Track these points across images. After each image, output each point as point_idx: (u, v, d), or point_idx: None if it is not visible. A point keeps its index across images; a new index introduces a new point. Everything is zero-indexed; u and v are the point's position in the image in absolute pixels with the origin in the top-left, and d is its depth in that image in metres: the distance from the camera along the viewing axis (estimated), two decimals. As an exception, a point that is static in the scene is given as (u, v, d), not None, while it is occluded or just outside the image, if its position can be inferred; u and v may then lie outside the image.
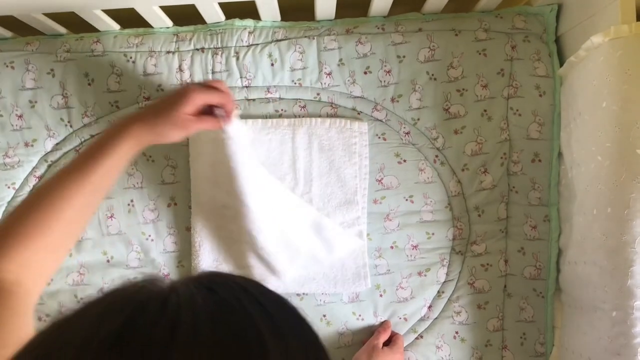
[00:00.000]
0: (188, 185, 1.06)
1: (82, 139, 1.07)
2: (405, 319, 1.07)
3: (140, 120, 0.81)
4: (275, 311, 0.41)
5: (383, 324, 1.08)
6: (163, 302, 0.38)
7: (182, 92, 0.82)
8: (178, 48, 1.06)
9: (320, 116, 1.06)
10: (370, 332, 1.08)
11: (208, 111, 0.85)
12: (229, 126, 0.87)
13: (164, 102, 0.83)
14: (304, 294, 1.08)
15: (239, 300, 0.40)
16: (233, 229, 1.03)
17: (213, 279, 0.42)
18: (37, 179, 1.07)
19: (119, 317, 0.36)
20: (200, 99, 0.82)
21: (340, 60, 1.05)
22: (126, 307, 0.37)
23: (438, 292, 1.07)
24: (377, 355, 1.00)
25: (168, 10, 1.03)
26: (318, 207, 1.05)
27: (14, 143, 1.07)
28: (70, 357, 0.34)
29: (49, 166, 1.07)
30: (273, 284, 1.06)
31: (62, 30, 1.09)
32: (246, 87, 1.06)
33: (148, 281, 0.41)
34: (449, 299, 1.07)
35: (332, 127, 1.05)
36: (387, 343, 1.06)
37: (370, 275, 1.06)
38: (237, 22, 1.06)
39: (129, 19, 1.05)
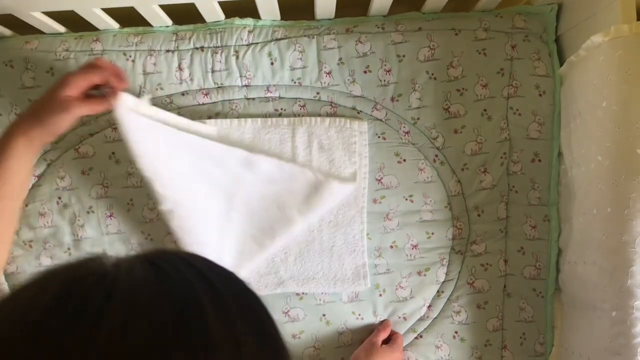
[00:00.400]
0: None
1: (81, 138, 1.07)
2: (405, 319, 1.07)
3: (26, 114, 0.82)
4: (218, 282, 0.41)
5: (383, 323, 1.08)
6: (102, 275, 0.38)
7: (61, 77, 0.82)
8: (177, 47, 1.05)
9: (320, 115, 1.06)
10: (369, 331, 1.08)
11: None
12: (119, 104, 0.85)
13: (45, 92, 0.83)
14: (303, 293, 1.08)
15: (179, 271, 0.40)
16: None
17: (157, 254, 0.43)
18: (36, 178, 1.07)
19: (56, 288, 0.36)
20: (79, 79, 0.82)
21: (340, 59, 1.05)
22: (64, 280, 0.38)
23: (438, 291, 1.07)
24: (375, 353, 1.00)
25: (167, 9, 1.03)
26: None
27: (13, 142, 1.06)
28: (6, 331, 0.34)
29: (48, 165, 1.07)
30: (271, 281, 1.06)
31: (61, 29, 1.08)
32: (246, 86, 1.06)
33: (91, 259, 0.41)
34: (448, 299, 1.07)
35: (331, 127, 1.04)
36: (386, 342, 1.05)
37: (369, 275, 1.06)
38: (237, 21, 1.06)
39: (129, 17, 1.04)
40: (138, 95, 0.96)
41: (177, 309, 0.37)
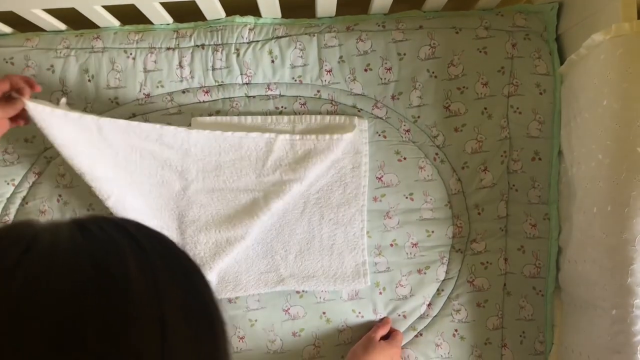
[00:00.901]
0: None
1: (82, 136, 1.07)
2: (405, 317, 1.07)
3: None
4: (145, 240, 0.42)
5: (382, 320, 1.08)
6: (25, 233, 0.39)
7: None
8: (178, 45, 1.05)
9: (320, 113, 1.06)
10: (369, 329, 1.08)
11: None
12: (31, 108, 0.90)
13: None
14: (303, 291, 1.08)
15: (104, 229, 0.41)
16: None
17: (88, 217, 0.43)
18: (36, 176, 1.07)
19: None
20: None
21: (341, 57, 1.05)
22: None
23: (438, 290, 1.07)
24: (373, 348, 1.00)
25: (168, 6, 1.03)
26: (318, 205, 1.05)
27: (14, 139, 1.06)
28: None
29: (48, 162, 1.07)
30: (271, 279, 1.06)
31: (62, 26, 1.08)
32: (246, 84, 1.06)
33: (21, 221, 0.42)
34: (448, 297, 1.07)
35: (331, 125, 1.04)
36: (385, 338, 1.05)
37: (369, 273, 1.06)
38: (238, 18, 1.06)
39: (129, 15, 1.04)
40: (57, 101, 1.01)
41: (98, 261, 0.37)
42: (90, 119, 0.96)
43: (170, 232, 1.04)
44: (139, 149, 1.01)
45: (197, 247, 1.04)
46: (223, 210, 1.04)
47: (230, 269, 1.06)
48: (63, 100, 0.97)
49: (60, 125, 0.94)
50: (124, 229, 0.42)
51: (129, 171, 1.02)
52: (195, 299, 0.42)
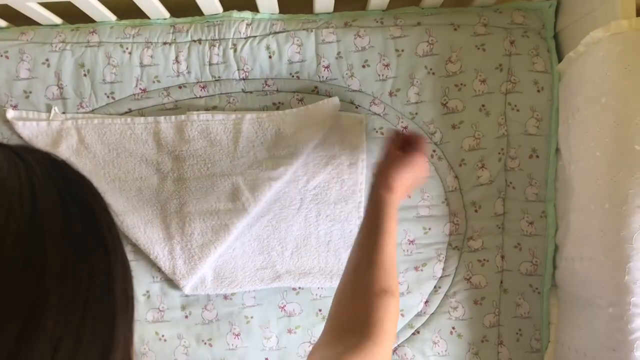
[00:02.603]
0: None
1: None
2: (402, 315, 1.07)
3: None
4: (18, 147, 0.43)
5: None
6: None
7: None
8: (175, 39, 1.05)
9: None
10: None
11: None
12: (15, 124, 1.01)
13: None
14: (299, 288, 1.07)
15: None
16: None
17: None
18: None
19: None
20: None
21: (339, 53, 1.05)
22: None
23: (435, 287, 1.07)
24: (395, 162, 0.87)
25: (165, 1, 1.02)
26: (315, 202, 1.05)
27: (8, 134, 1.06)
28: None
29: (44, 157, 1.06)
30: (267, 275, 1.06)
31: (57, 20, 1.07)
32: (243, 79, 1.05)
33: None
34: (445, 294, 1.07)
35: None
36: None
37: None
38: (235, 14, 1.05)
39: (126, 9, 1.04)
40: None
41: None
42: (70, 123, 1.00)
43: (154, 227, 1.04)
44: (115, 147, 1.03)
45: (183, 239, 1.03)
46: (203, 199, 1.03)
47: (226, 265, 1.05)
48: (55, 109, 1.01)
49: (42, 135, 0.99)
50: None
51: (107, 170, 1.04)
52: (67, 183, 0.43)
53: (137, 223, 1.04)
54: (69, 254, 0.38)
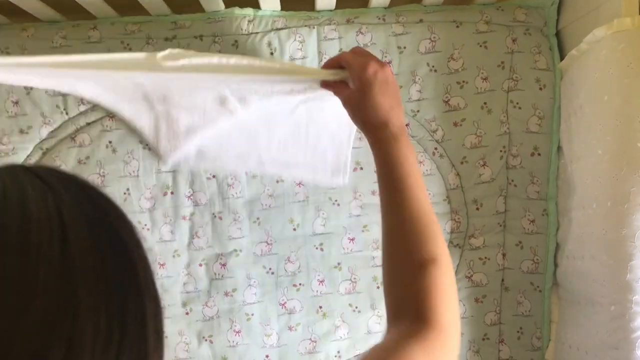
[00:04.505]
0: (185, 174, 1.05)
1: (78, 127, 1.06)
2: (403, 312, 1.07)
3: None
4: (43, 171, 0.41)
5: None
6: None
7: None
8: (176, 36, 1.04)
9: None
10: (367, 325, 1.07)
11: None
12: None
13: None
14: (300, 284, 1.07)
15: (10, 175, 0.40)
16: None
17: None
18: (31, 167, 1.06)
19: None
20: None
21: (341, 50, 1.04)
22: None
23: (436, 285, 1.07)
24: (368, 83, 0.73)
25: (167, -3, 1.02)
26: (309, 110, 1.00)
27: (9, 130, 1.05)
28: None
29: (44, 154, 1.06)
30: (252, 159, 1.04)
31: (58, 16, 1.07)
32: (245, 76, 1.05)
33: None
34: (446, 292, 1.07)
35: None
36: None
37: (349, 171, 1.04)
38: (237, 10, 1.05)
39: (127, 6, 1.03)
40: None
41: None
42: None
43: (140, 105, 0.99)
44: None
45: (168, 121, 1.00)
46: (189, 96, 0.97)
47: (211, 143, 1.03)
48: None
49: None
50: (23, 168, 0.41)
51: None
52: (99, 214, 0.41)
53: (123, 100, 0.98)
54: (101, 297, 0.37)
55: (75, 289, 0.35)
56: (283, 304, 1.07)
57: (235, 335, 1.07)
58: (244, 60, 0.78)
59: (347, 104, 0.78)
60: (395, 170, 0.69)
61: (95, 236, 0.39)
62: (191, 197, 1.06)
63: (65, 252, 0.36)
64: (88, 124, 1.06)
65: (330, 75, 0.81)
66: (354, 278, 1.08)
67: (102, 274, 0.37)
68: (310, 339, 1.08)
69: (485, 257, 1.07)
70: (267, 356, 1.07)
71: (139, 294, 0.40)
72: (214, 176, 1.06)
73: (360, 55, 0.76)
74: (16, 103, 1.05)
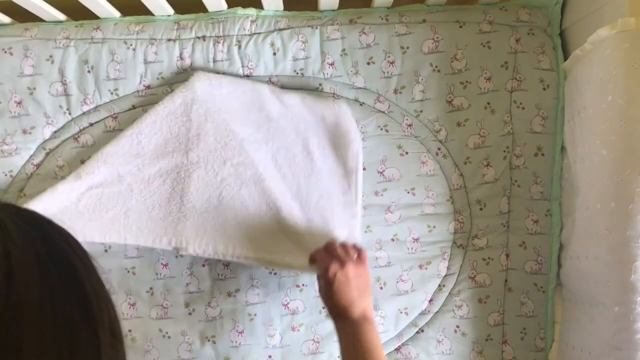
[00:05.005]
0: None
1: (81, 127, 1.06)
2: (406, 313, 1.07)
3: None
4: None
5: (327, 248, 0.94)
6: None
7: None
8: (179, 36, 1.04)
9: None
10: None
11: None
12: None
13: None
14: (303, 285, 1.07)
15: None
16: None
17: None
18: (34, 167, 1.06)
19: None
20: None
21: (343, 50, 1.04)
22: None
23: (439, 285, 1.07)
24: (338, 284, 0.86)
25: (170, -3, 1.02)
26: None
27: (12, 130, 1.05)
28: None
29: (47, 154, 1.06)
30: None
31: (61, 16, 1.07)
32: (247, 76, 1.05)
33: None
34: (450, 293, 1.07)
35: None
36: None
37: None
38: (240, 10, 1.05)
39: (130, 6, 1.04)
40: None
41: None
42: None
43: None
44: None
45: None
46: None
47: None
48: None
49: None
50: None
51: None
52: (48, 246, 0.41)
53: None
54: (48, 332, 0.36)
55: (20, 328, 0.34)
56: (286, 305, 1.07)
57: (238, 335, 1.07)
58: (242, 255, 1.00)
59: (319, 290, 0.93)
60: (355, 349, 0.81)
61: (43, 268, 0.38)
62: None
63: (10, 292, 0.35)
64: (91, 124, 1.06)
65: (309, 269, 0.97)
66: (357, 278, 1.07)
67: (49, 307, 0.37)
68: (313, 340, 1.08)
69: (489, 258, 1.06)
70: (269, 356, 1.07)
71: (91, 323, 0.39)
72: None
73: (327, 256, 0.90)
74: (19, 103, 1.05)
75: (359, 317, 0.85)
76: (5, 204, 0.43)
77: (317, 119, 1.03)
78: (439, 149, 1.06)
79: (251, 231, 1.00)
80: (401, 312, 1.07)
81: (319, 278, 0.94)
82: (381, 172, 1.06)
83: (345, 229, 1.02)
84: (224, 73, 1.05)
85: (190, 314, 1.07)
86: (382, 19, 1.05)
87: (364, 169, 1.06)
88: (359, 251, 0.93)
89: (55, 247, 0.41)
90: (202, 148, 1.01)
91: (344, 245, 0.93)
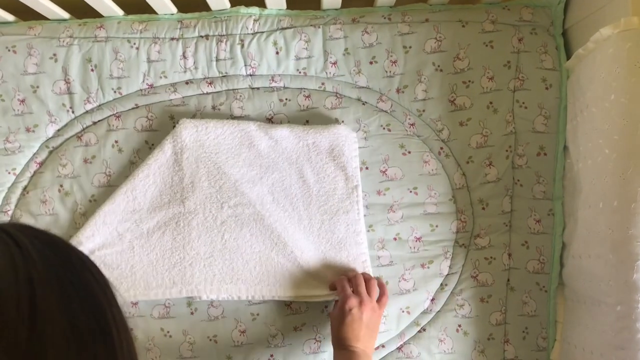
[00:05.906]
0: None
1: (84, 125, 1.06)
2: (408, 312, 1.07)
3: None
4: (16, 232, 0.41)
5: (354, 279, 0.98)
6: None
7: None
8: (182, 35, 1.05)
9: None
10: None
11: None
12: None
13: None
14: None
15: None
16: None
17: None
18: (37, 165, 1.06)
19: None
20: None
21: (346, 49, 1.04)
22: None
23: (441, 284, 1.07)
24: (353, 321, 0.91)
25: (173, -4, 1.03)
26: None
27: (15, 128, 1.06)
28: None
29: (50, 152, 1.06)
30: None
31: (65, 15, 1.08)
32: (250, 75, 1.05)
33: None
34: (452, 292, 1.07)
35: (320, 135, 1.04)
36: None
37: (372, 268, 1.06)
38: (243, 9, 1.05)
39: (133, 4, 1.04)
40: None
41: None
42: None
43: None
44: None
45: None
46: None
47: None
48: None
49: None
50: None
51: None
52: (69, 273, 0.41)
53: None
54: (71, 357, 0.36)
55: (44, 354, 0.35)
56: (289, 305, 1.07)
57: (240, 335, 1.07)
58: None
59: (331, 315, 0.97)
60: None
61: (65, 293, 0.38)
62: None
63: (34, 318, 0.35)
64: (94, 122, 1.07)
65: (327, 297, 1.03)
66: (359, 277, 1.07)
67: (72, 335, 0.37)
68: (315, 339, 1.08)
69: (491, 257, 1.06)
70: (271, 355, 1.07)
71: (112, 353, 0.39)
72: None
73: (347, 287, 0.95)
74: (23, 101, 1.05)
75: (360, 351, 0.89)
76: (23, 225, 0.43)
77: (309, 146, 1.04)
78: (441, 148, 1.06)
79: (260, 270, 1.03)
80: (403, 311, 1.07)
81: (335, 302, 0.99)
82: (383, 172, 1.06)
83: (353, 247, 1.04)
84: (226, 72, 1.05)
85: (192, 313, 1.07)
86: (384, 18, 1.05)
87: (367, 168, 1.06)
88: (381, 293, 0.98)
89: (74, 267, 0.42)
90: (197, 195, 1.02)
91: (369, 280, 0.98)
